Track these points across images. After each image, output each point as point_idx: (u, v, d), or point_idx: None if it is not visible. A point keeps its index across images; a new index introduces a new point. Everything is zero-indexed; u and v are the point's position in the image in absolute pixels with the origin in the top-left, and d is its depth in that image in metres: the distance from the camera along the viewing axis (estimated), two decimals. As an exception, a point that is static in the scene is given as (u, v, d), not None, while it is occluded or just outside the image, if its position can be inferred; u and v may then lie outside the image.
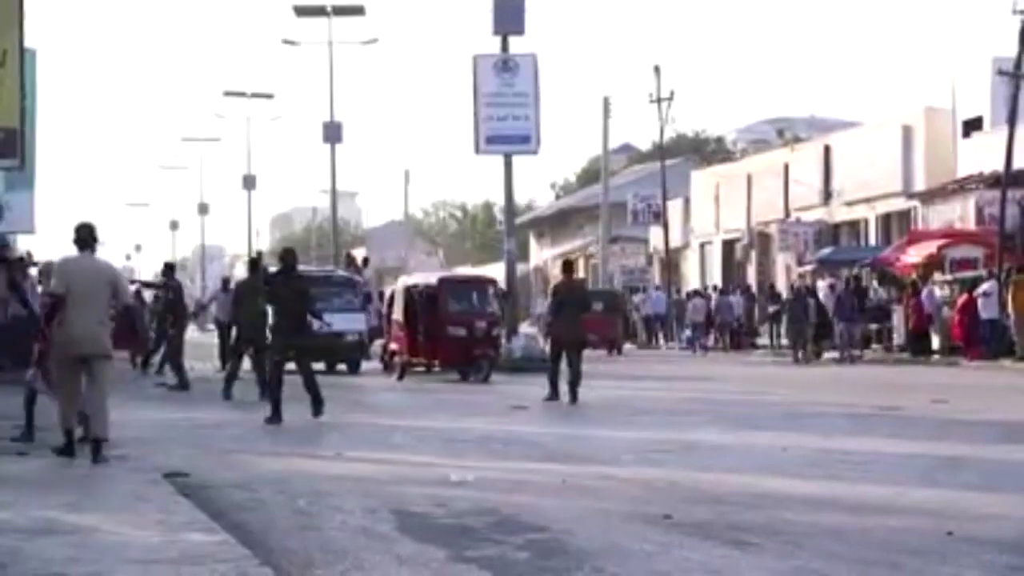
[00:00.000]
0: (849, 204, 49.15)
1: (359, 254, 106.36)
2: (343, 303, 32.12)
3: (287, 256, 19.71)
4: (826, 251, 47.73)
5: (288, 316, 19.03)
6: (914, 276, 38.31)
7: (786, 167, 53.53)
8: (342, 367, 32.22)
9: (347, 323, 31.01)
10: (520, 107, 38.52)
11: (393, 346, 31.62)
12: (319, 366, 27.57)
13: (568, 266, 26.45)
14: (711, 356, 43.82)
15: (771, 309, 45.38)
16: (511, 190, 39.47)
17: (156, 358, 29.60)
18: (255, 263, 26.25)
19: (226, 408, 21.16)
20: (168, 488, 10.83)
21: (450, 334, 29.32)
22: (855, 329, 37.80)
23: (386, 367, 32.18)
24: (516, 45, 38.77)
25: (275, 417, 18.18)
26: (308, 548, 8.75)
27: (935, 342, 36.55)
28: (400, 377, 29.64)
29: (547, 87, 70.04)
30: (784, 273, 51.77)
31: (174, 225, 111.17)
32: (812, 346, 38.10)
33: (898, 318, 38.88)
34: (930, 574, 8.01)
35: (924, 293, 36.45)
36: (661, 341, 52.70)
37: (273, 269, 33.78)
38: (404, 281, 33.34)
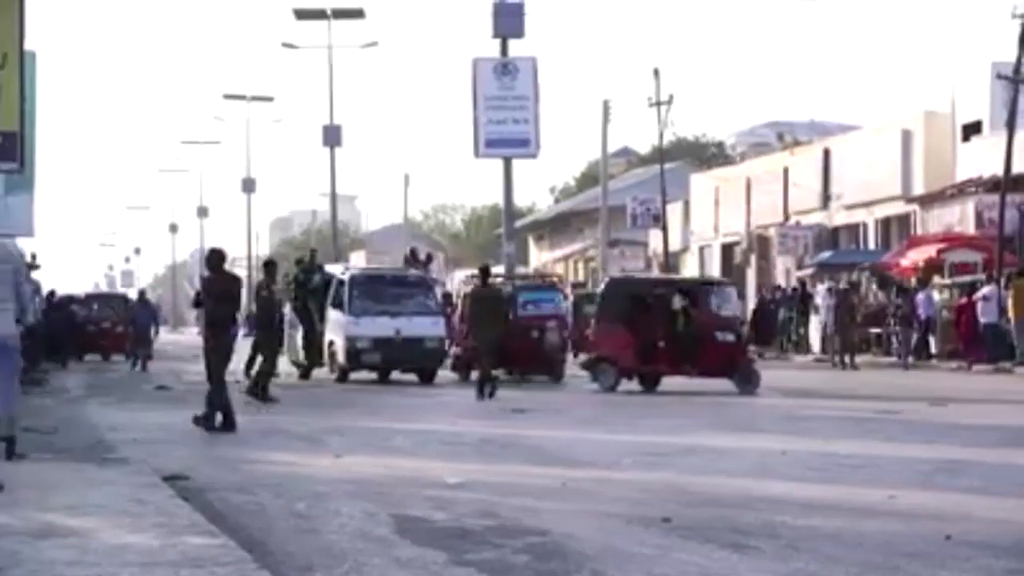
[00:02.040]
0: (848, 208, 49.19)
1: (360, 256, 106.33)
2: (419, 305, 30.10)
3: (212, 256, 18.33)
4: (825, 255, 47.77)
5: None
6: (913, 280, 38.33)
7: (785, 171, 53.56)
8: (401, 375, 29.73)
9: (425, 328, 29.17)
10: (520, 110, 38.56)
11: (459, 351, 30.10)
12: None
13: (484, 272, 26.53)
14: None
15: (784, 312, 44.95)
16: (510, 193, 39.53)
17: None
18: (269, 265, 25.55)
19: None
20: (168, 491, 10.83)
21: (524, 339, 28.65)
22: (910, 333, 35.93)
23: (455, 369, 30.20)
24: (516, 48, 38.86)
25: (228, 424, 17.31)
26: (307, 551, 8.75)
27: (933, 346, 36.55)
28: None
29: (547, 90, 69.98)
30: (783, 277, 51.79)
31: (174, 228, 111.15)
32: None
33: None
34: (928, 578, 8.02)
35: (920, 297, 36.29)
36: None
37: (334, 267, 33.10)
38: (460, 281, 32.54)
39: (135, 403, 21.63)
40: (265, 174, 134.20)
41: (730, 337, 25.70)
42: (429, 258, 34.48)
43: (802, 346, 43.88)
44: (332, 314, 29.39)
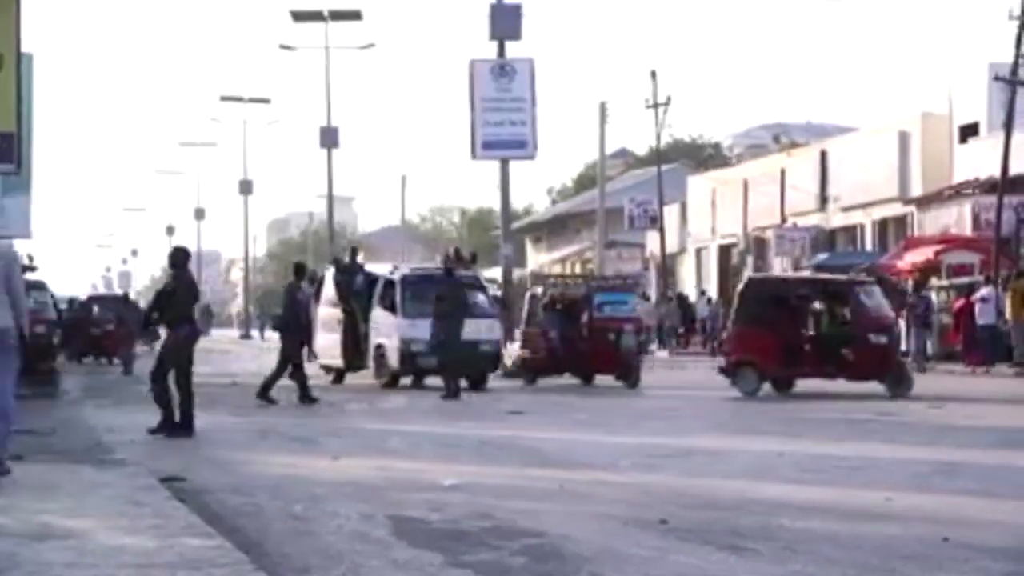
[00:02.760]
0: (846, 210, 49.20)
1: (358, 258, 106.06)
2: (473, 307, 28.45)
3: (178, 254, 17.94)
4: (822, 256, 47.77)
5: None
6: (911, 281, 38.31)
7: (783, 172, 53.58)
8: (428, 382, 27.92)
9: (481, 330, 27.64)
10: (517, 112, 38.57)
11: (525, 354, 29.35)
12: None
13: (449, 271, 26.63)
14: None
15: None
16: (508, 195, 39.52)
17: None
18: (299, 268, 25.48)
19: (223, 413, 21.13)
20: (164, 493, 10.82)
21: (600, 342, 27.92)
22: (926, 335, 35.08)
23: (515, 375, 29.33)
24: (513, 50, 38.87)
25: (186, 429, 16.90)
26: (304, 553, 8.75)
27: (930, 347, 36.53)
28: (529, 381, 28.46)
29: (544, 92, 69.94)
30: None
31: (170, 230, 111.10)
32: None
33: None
34: (926, 579, 8.02)
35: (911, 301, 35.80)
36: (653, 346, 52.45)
37: (380, 267, 31.29)
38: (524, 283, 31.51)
39: (132, 405, 21.59)
40: (262, 176, 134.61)
41: (883, 339, 24.70)
42: (474, 257, 32.72)
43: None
44: (381, 316, 28.14)
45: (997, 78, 37.87)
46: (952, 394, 24.22)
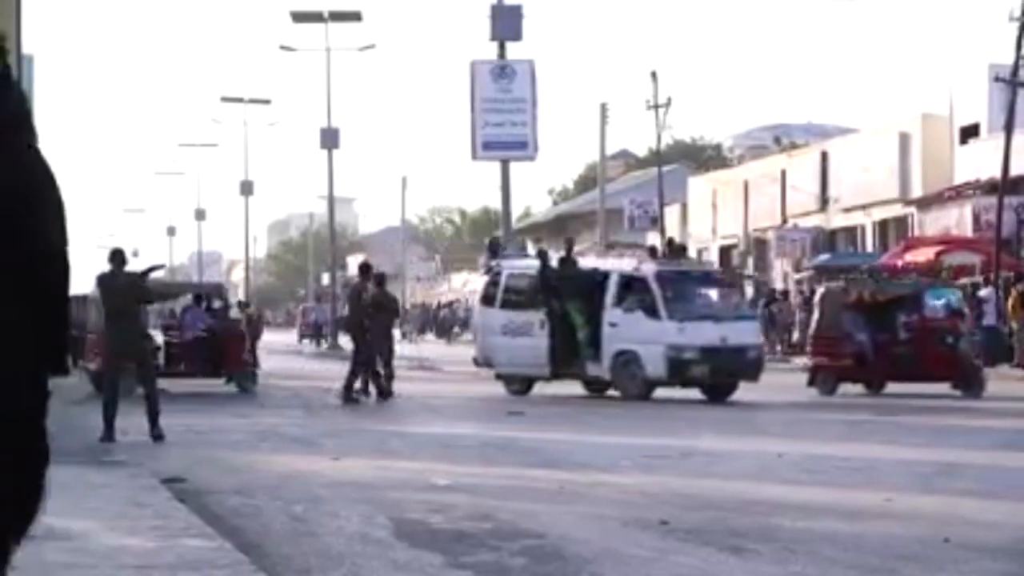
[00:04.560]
0: (846, 211, 49.21)
1: (357, 261, 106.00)
2: (735, 308, 26.14)
3: (117, 257, 17.17)
4: (823, 257, 47.77)
5: (117, 317, 16.78)
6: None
7: (783, 173, 53.58)
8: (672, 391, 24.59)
9: (747, 334, 25.24)
10: (517, 113, 38.57)
11: (822, 361, 25.86)
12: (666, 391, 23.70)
13: (380, 279, 25.31)
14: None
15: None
16: (508, 196, 39.51)
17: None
18: (365, 269, 25.20)
19: (224, 414, 21.15)
20: (165, 494, 10.83)
21: (927, 343, 24.89)
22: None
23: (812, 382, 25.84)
24: (513, 51, 38.86)
25: (108, 434, 16.19)
26: (304, 554, 8.75)
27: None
28: (828, 391, 24.99)
29: (544, 93, 70.00)
30: (781, 279, 51.81)
31: (171, 231, 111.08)
32: None
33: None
34: (926, 580, 8.02)
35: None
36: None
37: (620, 262, 26.64)
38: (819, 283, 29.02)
39: (132, 406, 21.59)
40: (263, 177, 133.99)
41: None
42: (683, 250, 29.18)
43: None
44: (628, 318, 24.26)
45: (998, 79, 37.88)
46: (951, 395, 24.16)
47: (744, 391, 23.79)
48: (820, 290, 27.54)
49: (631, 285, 24.58)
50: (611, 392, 24.71)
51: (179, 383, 25.91)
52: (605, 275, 25.08)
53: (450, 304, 76.03)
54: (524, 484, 12.32)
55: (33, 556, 8.00)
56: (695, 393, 24.07)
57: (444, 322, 72.09)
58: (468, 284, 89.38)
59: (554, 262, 26.17)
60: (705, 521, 9.94)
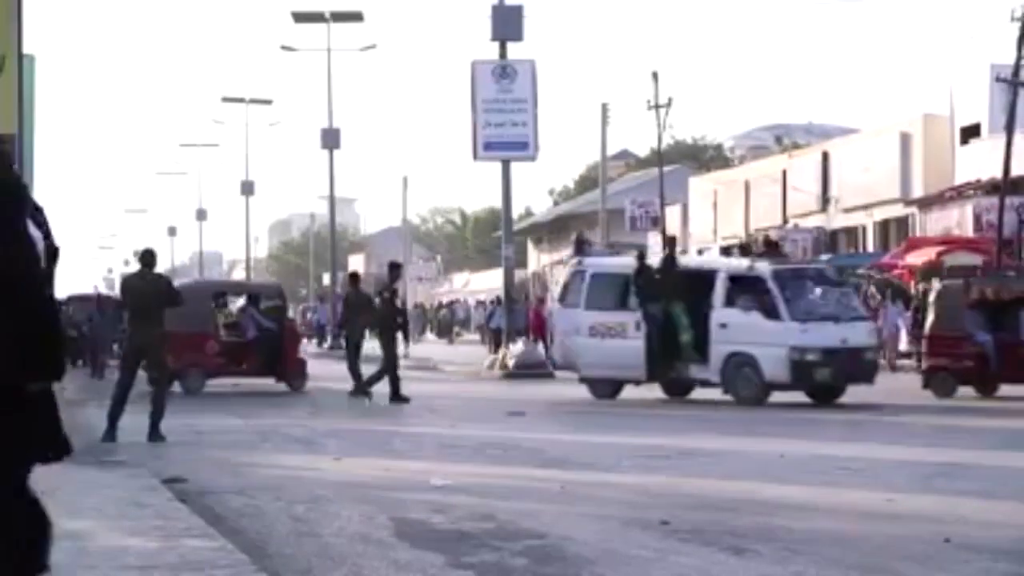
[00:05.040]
0: (847, 211, 49.20)
1: (359, 261, 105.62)
2: (851, 308, 24.46)
3: (146, 257, 17.16)
4: (824, 258, 47.73)
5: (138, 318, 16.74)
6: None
7: (784, 174, 53.58)
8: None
9: (865, 335, 23.93)
10: (518, 113, 38.49)
11: (939, 362, 24.66)
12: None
13: (354, 277, 25.91)
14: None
15: None
16: (509, 196, 39.44)
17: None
18: (393, 268, 25.39)
19: (224, 414, 21.16)
20: (166, 494, 10.83)
21: None
22: None
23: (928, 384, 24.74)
24: (514, 51, 38.77)
25: (110, 434, 16.17)
26: (306, 554, 8.75)
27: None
28: (946, 391, 23.92)
29: (545, 93, 70.09)
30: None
31: (172, 231, 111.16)
32: None
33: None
34: (927, 580, 8.01)
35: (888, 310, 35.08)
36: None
37: (721, 259, 25.81)
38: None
39: (133, 406, 21.60)
40: (264, 177, 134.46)
41: None
42: (777, 245, 27.69)
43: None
44: (742, 319, 23.01)
45: (999, 79, 37.86)
46: (957, 394, 24.11)
47: (854, 395, 22.87)
48: (935, 288, 26.13)
49: (743, 284, 23.38)
50: (695, 395, 24.03)
51: (221, 383, 26.63)
52: (711, 274, 23.88)
53: (450, 304, 76.03)
54: (525, 484, 12.32)
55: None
56: (698, 393, 23.96)
57: (444, 322, 72.04)
58: (469, 284, 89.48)
59: (653, 261, 25.33)
60: (706, 521, 9.94)
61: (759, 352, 22.68)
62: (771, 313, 22.82)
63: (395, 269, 25.34)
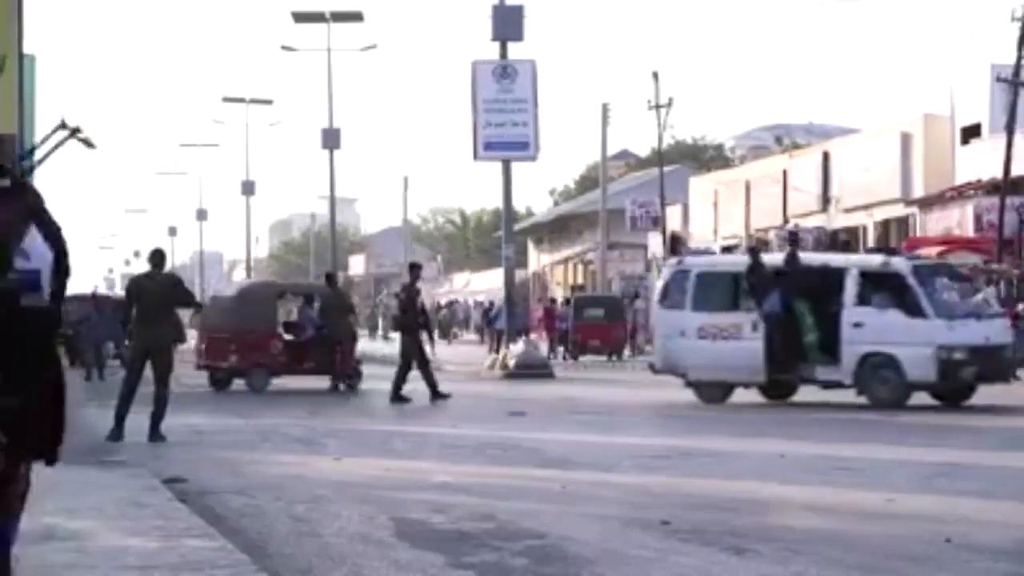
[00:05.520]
0: (848, 211, 49.16)
1: (359, 261, 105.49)
2: (986, 304, 23.65)
3: (156, 257, 17.18)
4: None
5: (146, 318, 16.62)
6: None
7: (784, 174, 53.53)
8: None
9: (1004, 333, 23.01)
10: (519, 113, 38.48)
11: None
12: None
13: (329, 278, 26.51)
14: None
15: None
16: (510, 196, 39.44)
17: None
18: (414, 267, 25.38)
19: (225, 414, 21.16)
20: (166, 494, 10.83)
21: None
22: None
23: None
24: (515, 51, 38.75)
25: (116, 433, 16.25)
26: (306, 554, 8.75)
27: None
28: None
29: (546, 93, 70.07)
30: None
31: (173, 231, 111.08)
32: None
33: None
34: (927, 581, 8.01)
35: None
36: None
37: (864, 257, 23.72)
38: None
39: (133, 406, 21.61)
40: (264, 177, 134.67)
41: None
42: (892, 251, 26.00)
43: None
44: (879, 317, 22.05)
45: (999, 79, 37.85)
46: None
47: (985, 395, 22.29)
48: None
49: (877, 281, 22.37)
50: (798, 398, 23.22)
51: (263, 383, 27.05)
52: (839, 272, 22.65)
53: (450, 304, 76.02)
54: (526, 484, 12.32)
55: (35, 556, 8.02)
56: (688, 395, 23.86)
57: (445, 322, 72.07)
58: (469, 284, 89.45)
59: (771, 258, 24.37)
60: (706, 521, 9.94)
61: (901, 352, 21.73)
62: (913, 311, 21.86)
63: (415, 269, 25.30)
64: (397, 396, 23.38)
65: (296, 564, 8.42)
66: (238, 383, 27.30)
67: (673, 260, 25.64)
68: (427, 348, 24.86)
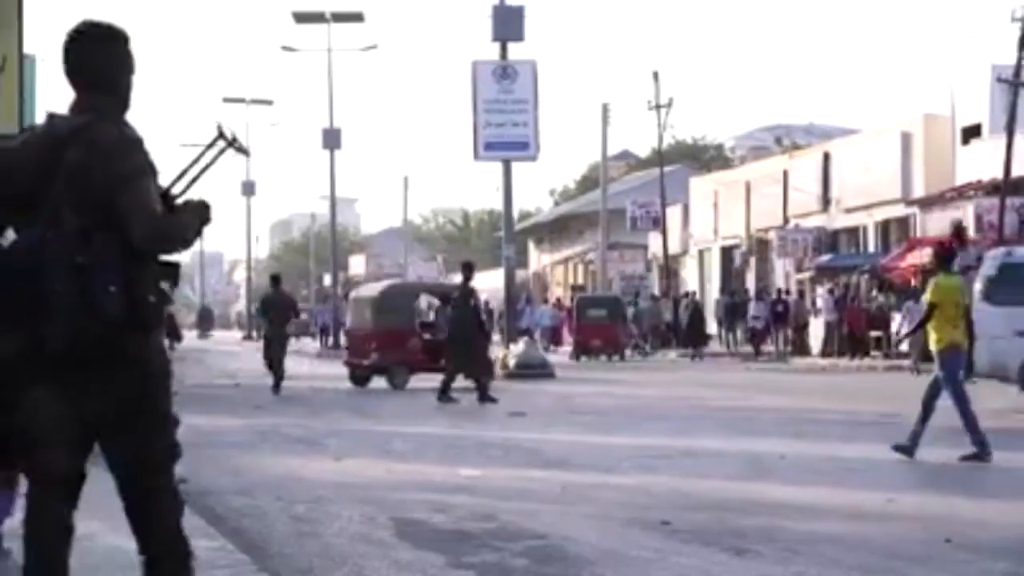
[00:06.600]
0: (848, 211, 49.17)
1: (359, 261, 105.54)
2: None
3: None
4: (825, 258, 47.78)
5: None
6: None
7: (785, 174, 53.55)
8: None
9: None
10: (519, 113, 38.54)
11: None
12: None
13: (275, 280, 26.87)
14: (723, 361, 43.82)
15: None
16: (510, 196, 39.47)
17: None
18: (466, 267, 25.11)
19: (225, 414, 21.16)
20: (167, 494, 10.82)
21: None
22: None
23: None
24: (515, 52, 38.83)
25: None
26: (307, 554, 8.76)
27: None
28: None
29: (546, 94, 70.07)
30: (783, 280, 51.80)
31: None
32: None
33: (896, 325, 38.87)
34: (928, 581, 8.02)
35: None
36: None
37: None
38: None
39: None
40: (264, 177, 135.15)
41: None
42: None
43: (803, 348, 44.48)
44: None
45: (1000, 80, 37.87)
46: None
47: None
48: None
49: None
50: None
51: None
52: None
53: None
54: (526, 485, 12.32)
55: (35, 556, 8.01)
56: (686, 392, 23.89)
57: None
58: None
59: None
60: (707, 522, 9.94)
61: None
62: None
63: (468, 269, 24.70)
64: (445, 395, 23.47)
65: (297, 564, 8.43)
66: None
67: (1000, 251, 23.27)
68: (490, 350, 24.69)
